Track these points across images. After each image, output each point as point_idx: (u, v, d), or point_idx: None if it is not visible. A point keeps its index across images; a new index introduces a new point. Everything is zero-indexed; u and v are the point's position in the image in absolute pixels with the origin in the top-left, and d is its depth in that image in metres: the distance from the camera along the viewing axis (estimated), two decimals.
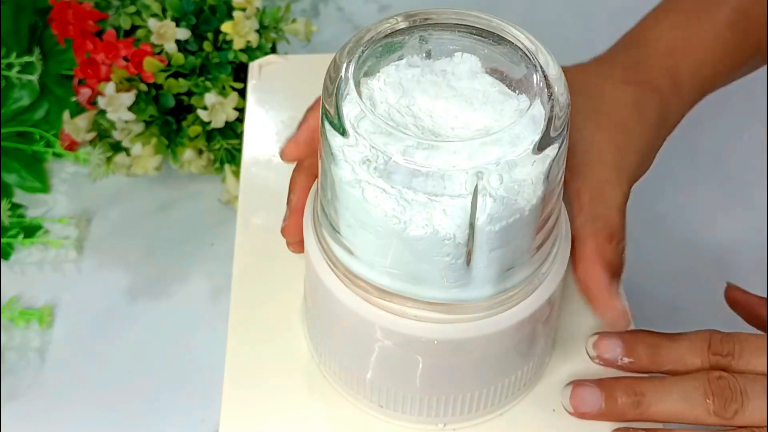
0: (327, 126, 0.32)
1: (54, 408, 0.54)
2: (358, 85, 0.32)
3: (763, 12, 0.45)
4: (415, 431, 0.39)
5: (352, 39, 0.34)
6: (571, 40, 0.75)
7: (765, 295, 0.58)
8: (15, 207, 0.64)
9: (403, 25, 0.34)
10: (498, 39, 0.34)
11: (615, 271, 0.38)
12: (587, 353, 0.40)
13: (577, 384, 0.38)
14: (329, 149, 0.32)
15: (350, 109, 0.31)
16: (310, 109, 0.42)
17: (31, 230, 0.63)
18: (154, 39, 0.60)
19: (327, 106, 0.32)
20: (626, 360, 0.39)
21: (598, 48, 0.75)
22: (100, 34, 0.62)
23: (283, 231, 0.40)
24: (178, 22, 0.61)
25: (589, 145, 0.39)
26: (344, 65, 0.33)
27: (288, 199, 0.40)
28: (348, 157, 0.31)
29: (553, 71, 0.32)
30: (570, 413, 0.38)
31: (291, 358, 0.41)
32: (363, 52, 0.33)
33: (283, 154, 0.41)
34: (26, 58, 0.65)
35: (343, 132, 0.31)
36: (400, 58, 0.33)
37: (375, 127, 0.31)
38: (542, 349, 0.39)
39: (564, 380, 0.39)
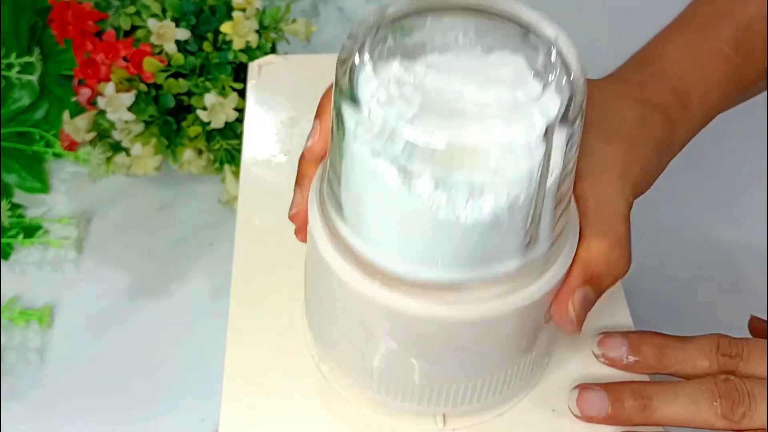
0: (342, 102, 0.31)
1: (54, 408, 0.54)
2: (374, 63, 0.32)
3: (764, 29, 0.45)
4: (415, 430, 0.39)
5: (368, 17, 0.33)
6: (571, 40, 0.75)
7: (766, 296, 0.59)
8: (15, 207, 0.64)
9: (419, 6, 0.33)
10: (514, 21, 0.33)
11: (597, 285, 0.37)
12: (593, 352, 0.40)
13: (583, 387, 0.38)
14: (343, 128, 0.32)
15: (368, 85, 0.31)
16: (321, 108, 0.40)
17: (30, 230, 0.63)
18: (153, 39, 0.60)
19: (341, 83, 0.31)
20: (632, 359, 0.39)
21: (598, 48, 0.75)
22: (99, 34, 0.62)
23: (291, 217, 0.38)
24: (177, 22, 0.61)
25: (596, 154, 0.39)
26: (360, 43, 0.32)
27: (299, 183, 0.38)
28: (365, 137, 0.31)
29: (570, 51, 0.32)
30: (576, 416, 0.38)
31: (291, 358, 0.41)
32: (380, 29, 0.33)
33: (308, 153, 0.39)
34: (26, 58, 0.65)
35: (352, 100, 0.31)
36: (417, 37, 0.33)
37: (384, 100, 0.30)
38: (545, 342, 0.38)
39: (564, 381, 0.39)
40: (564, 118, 0.31)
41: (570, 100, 0.31)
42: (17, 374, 0.56)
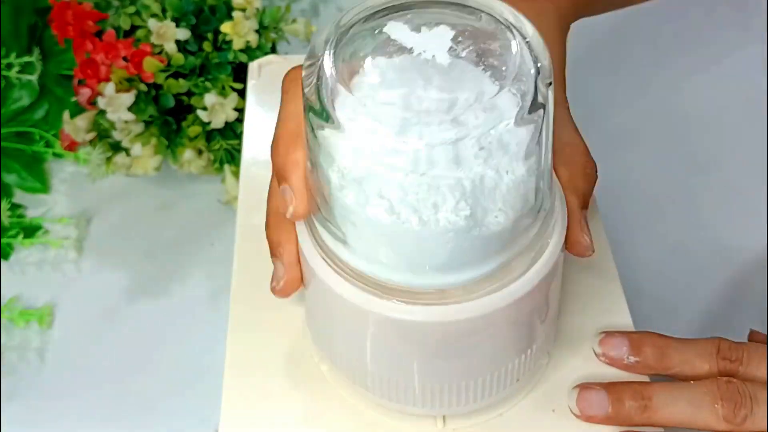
0: (311, 115, 0.32)
1: (54, 408, 0.54)
2: (339, 70, 0.32)
3: None
4: (414, 430, 0.39)
5: (329, 24, 0.33)
6: (571, 40, 0.75)
7: (765, 296, 0.59)
8: (15, 207, 0.64)
9: (380, 5, 0.33)
10: (479, 12, 0.33)
11: (585, 201, 0.38)
12: (593, 351, 0.40)
13: (584, 387, 0.38)
14: (316, 139, 0.32)
15: (333, 95, 0.31)
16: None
17: (31, 230, 0.63)
18: (153, 39, 0.60)
19: (308, 95, 0.32)
20: (632, 359, 0.39)
21: (598, 47, 0.75)
22: (99, 34, 0.62)
23: (278, 291, 0.37)
24: (177, 22, 0.61)
25: None
26: (323, 51, 0.32)
27: (276, 253, 0.37)
28: (336, 145, 0.31)
29: (536, 41, 0.32)
30: (576, 416, 0.38)
31: (291, 358, 0.41)
32: (343, 35, 0.33)
33: (295, 216, 0.36)
34: (26, 58, 0.65)
35: (327, 118, 0.31)
36: (379, 40, 0.33)
37: (361, 113, 0.31)
38: (541, 338, 0.38)
39: (564, 381, 0.39)
40: (530, 110, 0.31)
41: (536, 93, 0.31)
42: (17, 374, 0.56)
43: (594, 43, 0.76)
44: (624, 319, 0.42)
